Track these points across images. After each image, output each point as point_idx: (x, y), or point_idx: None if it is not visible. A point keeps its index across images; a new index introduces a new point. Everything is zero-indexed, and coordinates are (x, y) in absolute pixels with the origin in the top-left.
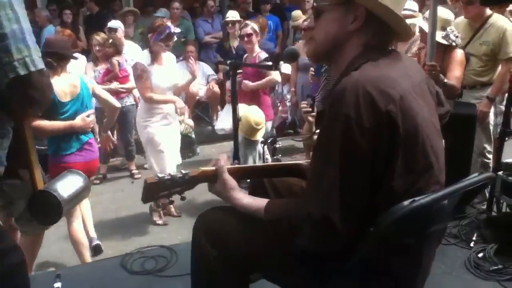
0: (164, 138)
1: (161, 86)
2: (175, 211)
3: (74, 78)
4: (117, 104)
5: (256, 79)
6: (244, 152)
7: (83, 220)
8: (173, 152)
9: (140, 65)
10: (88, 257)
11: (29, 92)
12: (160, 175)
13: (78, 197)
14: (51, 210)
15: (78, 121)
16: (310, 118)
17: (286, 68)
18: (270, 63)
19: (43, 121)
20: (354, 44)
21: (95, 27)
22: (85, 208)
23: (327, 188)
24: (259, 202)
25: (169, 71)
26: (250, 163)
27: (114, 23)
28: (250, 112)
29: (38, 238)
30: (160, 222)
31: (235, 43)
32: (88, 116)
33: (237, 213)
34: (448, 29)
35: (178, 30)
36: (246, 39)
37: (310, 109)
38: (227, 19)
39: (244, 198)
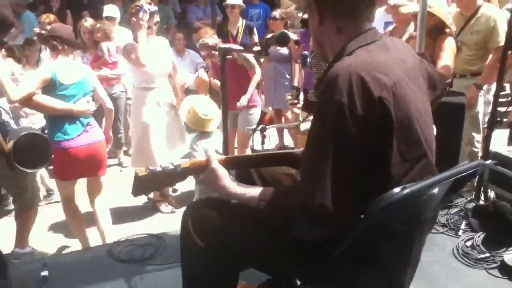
0: (158, 127)
1: (150, 71)
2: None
3: (78, 67)
4: (110, 106)
5: (238, 72)
6: (192, 145)
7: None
8: (168, 143)
9: (128, 45)
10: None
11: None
12: (150, 168)
13: None
14: (39, 148)
15: (78, 105)
16: (296, 110)
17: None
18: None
19: (44, 96)
20: (329, 33)
21: (80, 12)
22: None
23: (320, 175)
24: (253, 191)
25: (157, 56)
26: (201, 154)
27: (112, 12)
28: (196, 104)
29: (34, 213)
30: (167, 210)
31: (233, 29)
32: (88, 102)
33: (224, 205)
34: (448, 16)
35: (154, 8)
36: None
37: (296, 101)
38: (227, 2)
39: (236, 187)
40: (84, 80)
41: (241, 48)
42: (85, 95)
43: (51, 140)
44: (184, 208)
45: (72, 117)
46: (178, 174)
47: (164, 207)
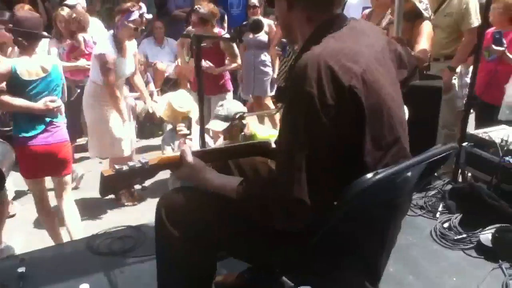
0: (116, 120)
1: (122, 76)
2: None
3: (46, 60)
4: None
5: (216, 60)
6: (167, 141)
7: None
8: (126, 135)
9: (111, 57)
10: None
11: None
12: (117, 167)
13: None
14: None
15: (39, 104)
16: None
17: None
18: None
19: (5, 95)
20: (299, 21)
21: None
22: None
23: (295, 170)
24: (231, 184)
25: (129, 61)
26: (169, 151)
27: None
28: (172, 98)
29: (5, 208)
30: (129, 203)
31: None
32: (51, 102)
33: (199, 193)
34: (424, 0)
35: (150, 16)
36: (196, 24)
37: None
38: None
39: (214, 179)
40: (51, 74)
41: (215, 36)
42: (54, 91)
43: (13, 135)
44: (154, 196)
45: (33, 114)
46: (146, 171)
47: (125, 200)
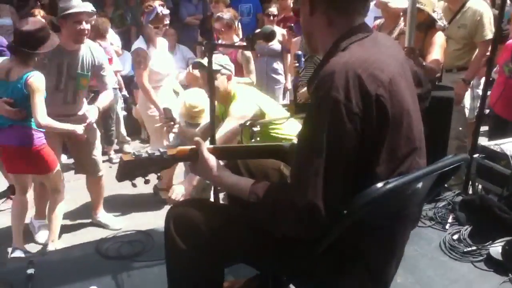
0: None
1: (160, 72)
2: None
3: (20, 70)
4: None
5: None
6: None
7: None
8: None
9: (141, 51)
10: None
11: None
12: (137, 153)
13: None
14: None
15: None
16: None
17: None
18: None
19: None
20: (320, 26)
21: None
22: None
23: (312, 174)
24: (244, 183)
25: (165, 57)
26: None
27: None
28: (187, 96)
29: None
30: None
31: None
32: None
33: (206, 204)
34: (438, 11)
35: (167, 11)
36: (223, 31)
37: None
38: None
39: (227, 177)
40: (13, 83)
41: (228, 44)
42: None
43: None
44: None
45: None
46: (164, 161)
47: (165, 196)
